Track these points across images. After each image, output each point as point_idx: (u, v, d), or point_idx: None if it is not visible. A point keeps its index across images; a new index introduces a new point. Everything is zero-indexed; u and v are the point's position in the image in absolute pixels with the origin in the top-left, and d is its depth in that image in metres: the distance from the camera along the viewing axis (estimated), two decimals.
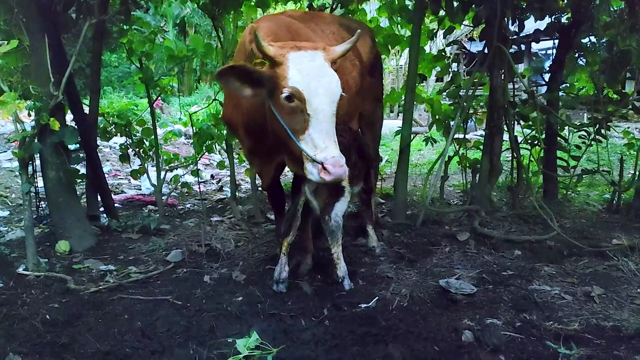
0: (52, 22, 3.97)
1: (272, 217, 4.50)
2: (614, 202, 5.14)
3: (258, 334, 2.50)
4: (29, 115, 3.68)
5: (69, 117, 4.27)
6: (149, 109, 5.19)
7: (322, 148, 2.59)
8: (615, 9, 4.90)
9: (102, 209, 4.77)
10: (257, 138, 3.27)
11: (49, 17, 3.89)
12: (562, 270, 3.57)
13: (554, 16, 5.11)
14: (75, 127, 4.12)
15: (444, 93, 5.43)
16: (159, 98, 5.74)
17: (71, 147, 4.02)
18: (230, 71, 2.73)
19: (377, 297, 3.08)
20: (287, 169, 3.40)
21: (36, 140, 3.59)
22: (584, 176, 5.35)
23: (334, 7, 5.47)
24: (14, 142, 7.96)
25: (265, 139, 3.10)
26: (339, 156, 2.59)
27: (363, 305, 2.98)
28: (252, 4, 5.20)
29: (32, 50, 3.81)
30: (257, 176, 4.58)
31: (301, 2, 5.61)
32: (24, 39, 3.80)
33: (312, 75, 2.66)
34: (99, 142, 4.93)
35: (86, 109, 4.59)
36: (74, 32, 4.52)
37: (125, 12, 4.64)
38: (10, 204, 5.57)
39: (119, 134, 5.10)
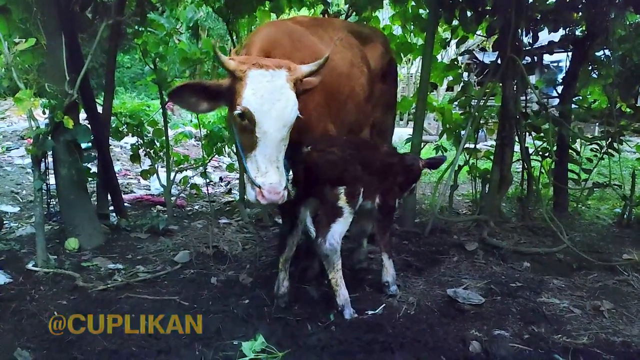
0: (69, 22, 4.01)
1: (280, 220, 4.50)
2: (625, 216, 5.10)
3: (264, 338, 2.50)
4: (44, 113, 3.72)
5: (82, 116, 4.31)
6: (160, 110, 5.22)
7: (262, 172, 2.59)
8: (631, 22, 4.89)
9: (111, 208, 4.80)
10: None
11: (66, 17, 3.94)
12: (572, 283, 3.54)
13: (568, 28, 5.10)
14: (89, 126, 4.16)
15: (455, 102, 5.42)
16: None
17: (84, 145, 4.05)
18: (183, 89, 2.72)
19: (384, 305, 3.07)
20: None
21: (50, 138, 3.62)
22: (595, 189, 5.32)
23: (348, 14, 5.49)
24: (26, 139, 8.06)
25: None
26: (278, 183, 2.58)
27: (370, 312, 2.97)
28: (266, 9, 5.23)
29: (48, 49, 3.86)
30: None
31: (315, 8, 5.63)
32: (40, 38, 3.85)
33: (266, 98, 2.58)
34: (110, 141, 4.96)
35: (99, 109, 4.63)
36: (89, 32, 4.56)
37: (140, 13, 4.68)
38: (21, 200, 5.61)
39: (130, 134, 5.13)
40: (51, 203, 4.54)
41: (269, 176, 2.58)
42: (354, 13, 5.46)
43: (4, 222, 4.53)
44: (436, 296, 3.27)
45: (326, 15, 5.41)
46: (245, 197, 3.02)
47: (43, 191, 3.88)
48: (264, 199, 2.57)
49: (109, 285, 3.26)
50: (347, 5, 5.55)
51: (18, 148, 8.05)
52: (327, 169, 2.88)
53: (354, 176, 2.95)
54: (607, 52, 5.05)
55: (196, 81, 2.78)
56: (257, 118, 2.57)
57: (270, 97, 2.58)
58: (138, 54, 5.20)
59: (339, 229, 2.88)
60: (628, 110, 4.92)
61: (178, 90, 2.72)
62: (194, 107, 2.77)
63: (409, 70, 17.04)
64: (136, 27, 4.97)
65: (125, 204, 5.07)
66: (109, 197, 4.74)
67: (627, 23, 4.83)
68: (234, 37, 5.20)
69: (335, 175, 2.90)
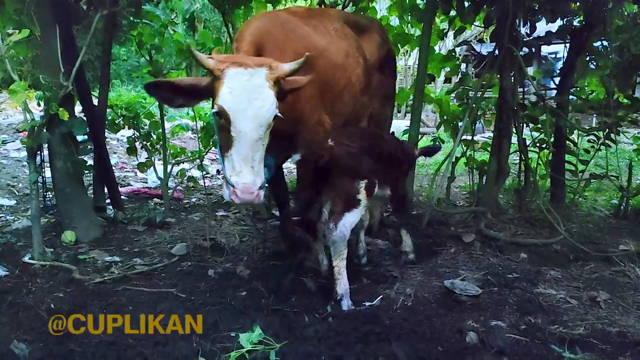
0: (63, 13, 3.97)
1: (277, 213, 4.50)
2: (622, 207, 5.11)
3: (261, 329, 2.50)
4: (39, 105, 3.69)
5: (78, 108, 4.28)
6: (157, 102, 5.19)
7: (237, 171, 2.60)
8: (628, 12, 4.87)
9: (108, 200, 4.78)
10: None
11: (60, 8, 3.90)
12: (568, 274, 3.55)
13: (565, 19, 5.08)
14: (84, 118, 4.13)
15: (453, 94, 5.41)
16: None
17: (79, 138, 4.03)
18: (158, 85, 2.72)
19: (381, 296, 3.08)
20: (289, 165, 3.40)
21: (45, 130, 3.60)
22: (592, 181, 5.33)
23: (345, 4, 5.45)
24: (22, 132, 8.01)
25: None
26: (252, 183, 2.59)
27: (367, 304, 2.98)
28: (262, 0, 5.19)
29: (42, 40, 3.82)
30: None
31: None
32: (34, 29, 3.81)
33: (243, 97, 2.55)
34: (106, 134, 4.93)
35: (95, 101, 4.60)
36: (84, 24, 4.52)
37: (136, 5, 4.64)
38: (17, 193, 5.59)
39: (127, 127, 5.11)
40: (47, 196, 4.53)
41: (243, 175, 2.58)
42: (351, 3, 5.42)
43: (0, 215, 4.51)
44: (433, 287, 3.28)
45: (323, 6, 5.38)
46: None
47: (39, 184, 3.86)
48: (237, 198, 2.58)
49: (105, 278, 3.26)
50: None
51: (14, 141, 8.00)
52: (350, 163, 3.00)
53: (373, 170, 3.07)
54: (604, 42, 5.03)
55: (171, 80, 2.74)
56: (232, 117, 2.55)
57: (247, 96, 2.56)
58: (134, 46, 5.16)
59: (351, 218, 2.95)
60: (625, 101, 4.91)
61: (154, 86, 2.71)
62: (169, 102, 2.76)
63: (407, 61, 16.99)
64: (131, 18, 4.93)
65: (122, 197, 5.06)
66: (106, 190, 4.72)
67: (625, 13, 4.80)
68: (230, 29, 5.17)
69: (357, 169, 3.01)
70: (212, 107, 2.63)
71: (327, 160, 2.95)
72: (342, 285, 2.92)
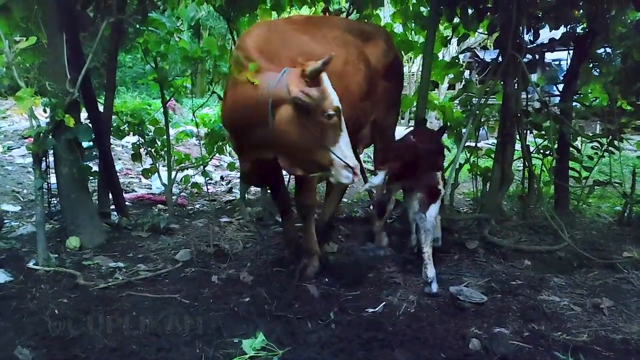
0: (70, 21, 4.02)
1: (280, 219, 4.51)
2: (626, 214, 5.09)
3: (264, 335, 2.51)
4: (45, 111, 3.72)
5: (83, 114, 4.31)
6: (162, 108, 5.22)
7: (350, 156, 2.94)
8: (631, 20, 4.88)
9: (112, 206, 4.81)
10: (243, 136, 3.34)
11: (67, 16, 3.94)
12: (572, 281, 3.54)
13: (569, 26, 5.08)
14: (90, 124, 4.16)
15: (457, 100, 5.41)
16: (172, 98, 5.78)
17: (85, 144, 4.06)
18: None
19: (384, 302, 3.08)
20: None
21: (51, 137, 3.63)
22: (595, 187, 5.31)
23: (349, 12, 5.48)
24: (27, 138, 8.05)
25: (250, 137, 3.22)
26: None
27: (370, 310, 2.98)
28: (267, 7, 5.23)
29: (49, 47, 3.86)
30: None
31: (316, 6, 5.63)
32: (41, 36, 3.85)
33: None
34: (111, 140, 4.96)
35: (101, 108, 4.64)
36: (91, 31, 4.56)
37: (142, 12, 4.68)
38: (22, 199, 5.63)
39: (131, 133, 5.14)
40: (52, 202, 4.55)
41: (352, 159, 2.95)
42: (355, 11, 5.45)
43: (5, 220, 4.54)
44: (437, 294, 3.27)
45: (327, 13, 5.41)
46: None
47: (44, 190, 3.89)
48: (356, 176, 2.94)
49: (110, 284, 3.28)
50: (348, 3, 5.55)
51: (19, 147, 8.05)
52: (432, 157, 3.51)
53: (442, 162, 3.71)
54: (608, 49, 5.03)
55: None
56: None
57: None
58: (139, 53, 5.20)
59: (436, 207, 3.37)
60: (629, 108, 4.90)
61: None
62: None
63: (410, 68, 17.00)
64: (137, 25, 4.97)
65: (127, 203, 5.08)
66: (110, 196, 4.74)
67: (628, 20, 4.81)
68: (235, 36, 5.20)
69: (436, 162, 3.58)
70: (321, 111, 2.85)
71: (413, 157, 3.36)
72: (431, 269, 3.25)
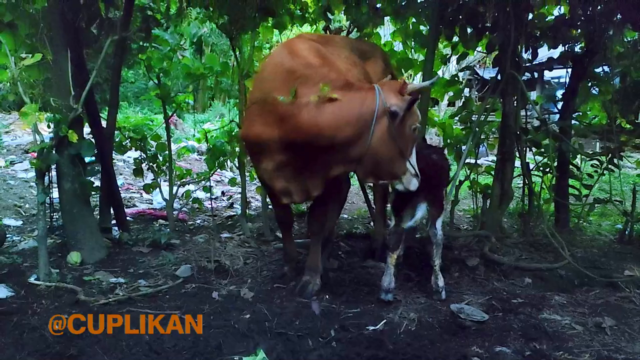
0: (75, 38, 4.07)
1: (281, 235, 4.51)
2: (626, 232, 5.09)
3: (265, 353, 2.50)
4: (48, 127, 3.76)
5: (86, 130, 4.34)
6: (164, 124, 5.26)
7: (416, 167, 3.20)
8: (629, 39, 4.93)
9: (114, 221, 4.81)
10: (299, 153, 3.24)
11: (72, 33, 4.00)
12: (573, 300, 3.53)
13: (567, 45, 5.14)
14: (93, 140, 4.19)
15: (456, 117, 5.45)
16: (174, 114, 5.83)
17: (87, 159, 4.08)
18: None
19: (385, 320, 3.07)
20: None
21: (54, 152, 3.66)
22: (596, 205, 5.31)
23: (350, 30, 5.55)
24: (30, 152, 8.10)
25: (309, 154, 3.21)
26: None
27: (371, 328, 2.97)
28: (269, 25, 5.30)
29: (54, 63, 3.90)
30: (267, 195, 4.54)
31: (317, 24, 5.70)
32: (46, 53, 3.90)
33: None
34: (113, 155, 4.99)
35: (104, 123, 4.67)
36: (95, 48, 4.63)
37: (145, 29, 4.75)
38: (24, 214, 5.64)
39: (133, 148, 5.17)
40: (54, 217, 4.56)
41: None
42: (355, 29, 5.52)
43: (7, 235, 4.54)
44: (437, 312, 3.27)
45: (328, 32, 5.47)
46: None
47: (46, 205, 3.90)
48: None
49: (110, 300, 3.27)
50: (349, 22, 5.62)
51: (22, 162, 8.09)
52: (446, 172, 3.66)
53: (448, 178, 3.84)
54: (606, 68, 5.09)
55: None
56: None
57: None
58: (142, 69, 5.26)
59: (441, 221, 3.52)
60: (628, 126, 4.94)
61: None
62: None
63: None
64: (141, 42, 5.04)
65: (128, 218, 5.09)
66: (112, 211, 4.75)
67: (626, 40, 4.87)
68: (237, 53, 5.27)
69: (447, 177, 3.77)
70: (409, 124, 3.11)
71: (433, 172, 3.42)
72: (441, 279, 3.48)
